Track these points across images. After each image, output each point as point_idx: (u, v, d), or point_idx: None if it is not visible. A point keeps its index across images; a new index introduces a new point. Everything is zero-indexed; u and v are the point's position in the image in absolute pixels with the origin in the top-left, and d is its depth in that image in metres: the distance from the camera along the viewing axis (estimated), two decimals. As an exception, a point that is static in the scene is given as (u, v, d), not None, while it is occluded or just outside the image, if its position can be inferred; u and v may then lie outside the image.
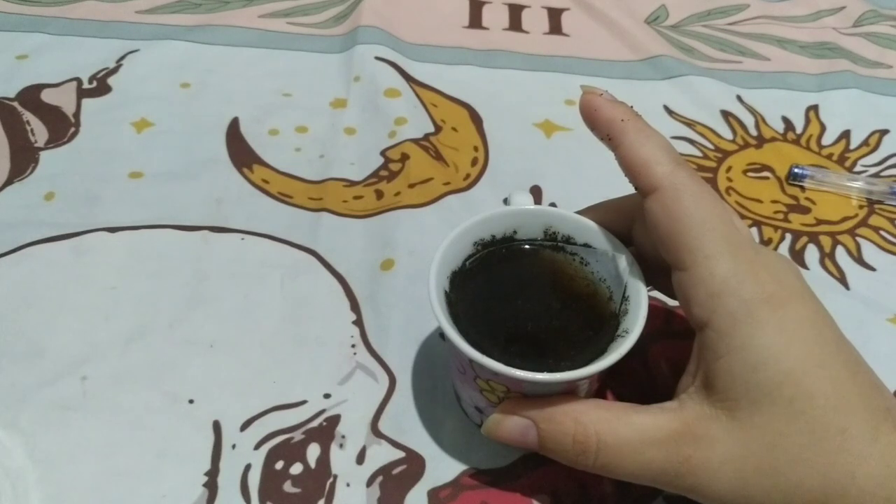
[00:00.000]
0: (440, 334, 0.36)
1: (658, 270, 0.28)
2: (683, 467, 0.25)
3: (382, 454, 0.32)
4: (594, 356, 0.27)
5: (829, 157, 0.48)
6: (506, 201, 0.36)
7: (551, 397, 0.27)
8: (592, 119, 0.28)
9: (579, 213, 0.32)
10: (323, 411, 0.33)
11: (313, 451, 0.32)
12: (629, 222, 0.31)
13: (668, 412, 0.26)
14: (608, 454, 0.26)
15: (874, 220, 0.44)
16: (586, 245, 0.31)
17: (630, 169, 0.27)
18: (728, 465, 0.24)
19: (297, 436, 0.32)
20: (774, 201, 0.45)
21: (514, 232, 0.32)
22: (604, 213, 0.31)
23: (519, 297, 0.30)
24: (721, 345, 0.25)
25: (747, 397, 0.24)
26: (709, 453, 0.25)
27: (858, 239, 0.43)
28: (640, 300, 0.28)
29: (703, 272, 0.25)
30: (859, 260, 0.42)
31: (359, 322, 0.37)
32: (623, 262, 0.30)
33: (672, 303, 0.36)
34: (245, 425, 0.32)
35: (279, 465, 0.31)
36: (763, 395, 0.24)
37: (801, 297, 0.26)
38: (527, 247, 0.32)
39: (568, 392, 0.28)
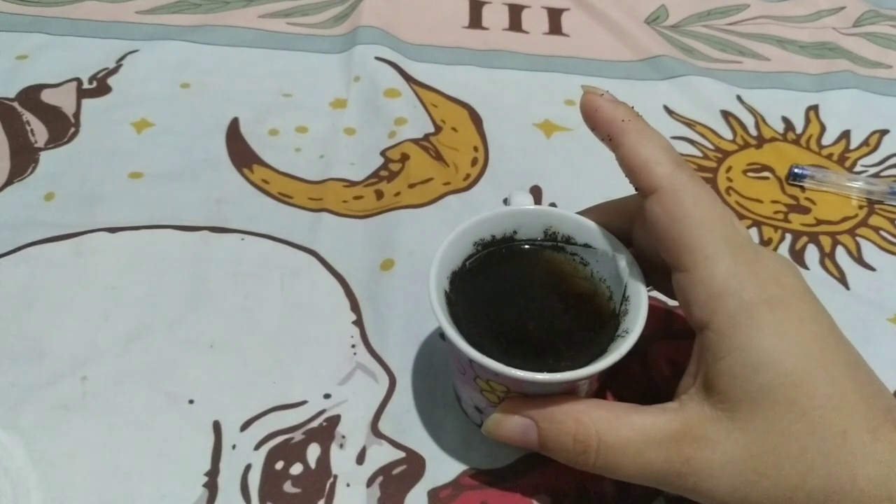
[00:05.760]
0: (440, 334, 0.36)
1: (658, 271, 0.28)
2: (684, 468, 0.25)
3: (382, 454, 0.32)
4: (594, 356, 0.27)
5: (829, 157, 0.48)
6: (506, 201, 0.36)
7: (552, 397, 0.27)
8: (593, 119, 0.28)
9: (579, 213, 0.32)
10: (323, 411, 0.33)
11: (313, 452, 0.32)
12: (629, 223, 0.31)
13: (669, 413, 0.26)
14: (609, 454, 0.26)
15: (874, 220, 0.44)
16: (586, 245, 0.31)
17: (630, 169, 0.27)
18: (729, 466, 0.24)
19: (297, 436, 0.32)
20: (774, 201, 0.45)
21: (514, 232, 0.32)
22: (604, 214, 0.31)
23: (519, 298, 0.30)
24: (721, 346, 0.25)
25: (748, 398, 0.24)
26: (709, 454, 0.25)
27: (858, 239, 0.43)
28: (640, 300, 0.28)
29: (703, 273, 0.25)
30: (859, 260, 0.42)
31: (359, 322, 0.37)
32: (623, 262, 0.30)
33: (672, 303, 0.36)
34: (245, 425, 0.32)
35: (279, 465, 0.31)
36: (764, 397, 0.24)
37: (801, 298, 0.26)
38: (527, 247, 0.32)
39: (568, 392, 0.28)
